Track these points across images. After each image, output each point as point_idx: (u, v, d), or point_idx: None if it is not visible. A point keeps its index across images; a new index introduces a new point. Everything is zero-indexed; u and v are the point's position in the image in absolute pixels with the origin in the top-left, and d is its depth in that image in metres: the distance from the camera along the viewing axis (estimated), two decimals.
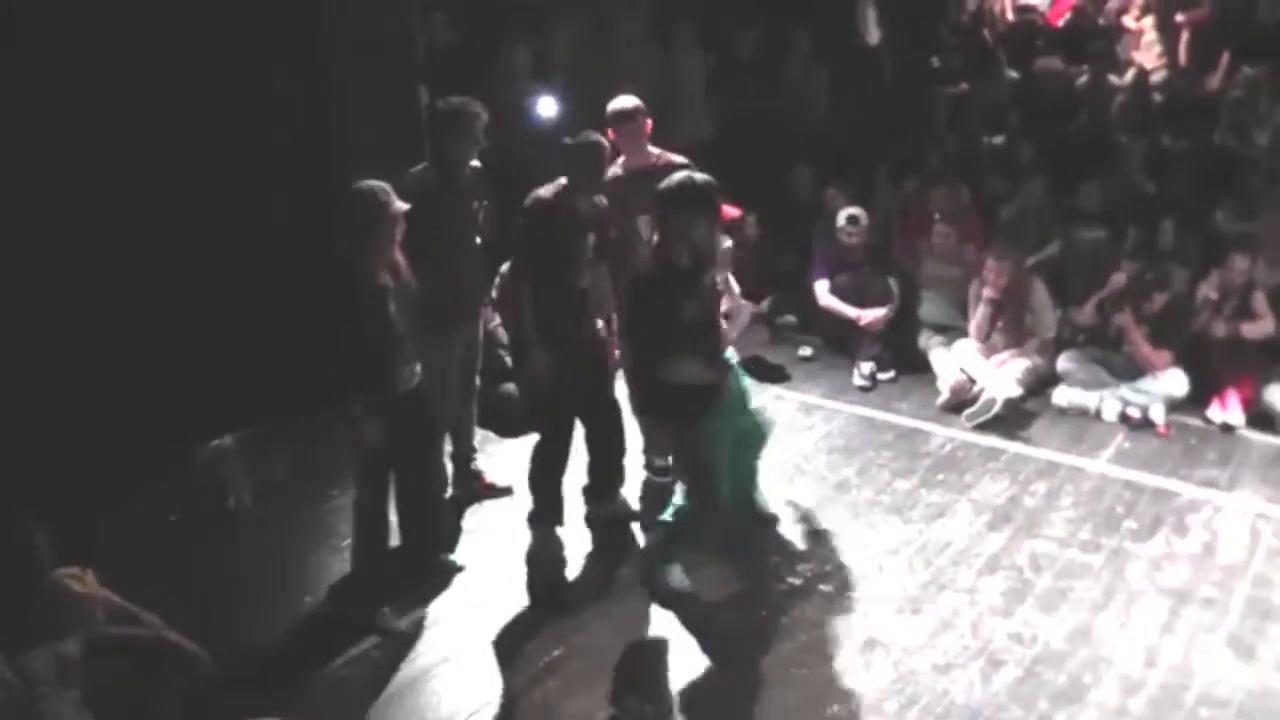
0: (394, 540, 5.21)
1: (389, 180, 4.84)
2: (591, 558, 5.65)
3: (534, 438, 5.66)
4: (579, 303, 5.52)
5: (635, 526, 5.87)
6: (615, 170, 5.82)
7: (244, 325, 6.51)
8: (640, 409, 5.37)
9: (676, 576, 5.29)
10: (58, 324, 5.86)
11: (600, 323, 5.71)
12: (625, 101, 5.87)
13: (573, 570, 5.56)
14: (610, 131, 5.76)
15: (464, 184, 5.63)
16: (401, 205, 4.75)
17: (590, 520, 5.90)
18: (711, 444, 5.04)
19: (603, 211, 5.56)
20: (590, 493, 5.92)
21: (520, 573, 5.49)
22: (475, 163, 5.69)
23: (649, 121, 5.89)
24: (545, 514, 5.68)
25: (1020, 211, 8.58)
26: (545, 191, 5.39)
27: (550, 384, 5.42)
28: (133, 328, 6.10)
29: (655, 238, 4.96)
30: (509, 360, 6.91)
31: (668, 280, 4.77)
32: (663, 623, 5.07)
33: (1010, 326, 7.41)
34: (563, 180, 5.40)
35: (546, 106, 8.27)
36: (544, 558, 5.61)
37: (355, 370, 4.75)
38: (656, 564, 5.36)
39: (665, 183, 4.77)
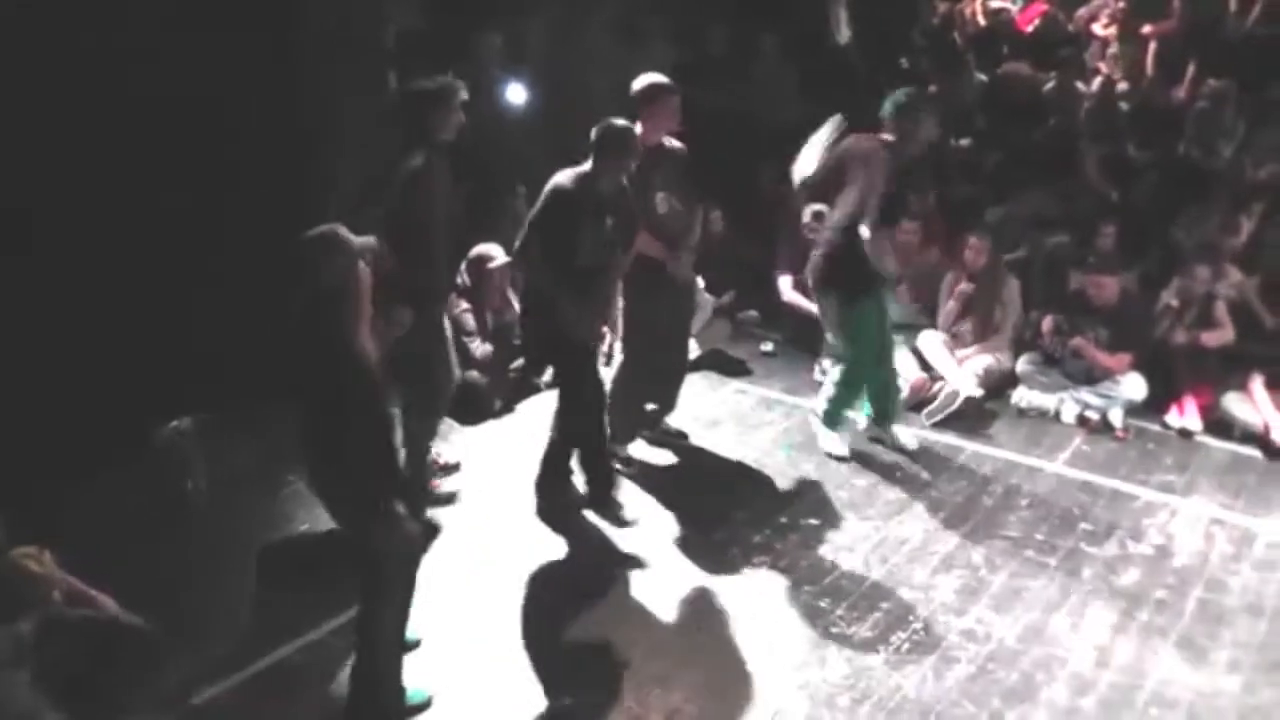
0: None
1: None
2: (561, 545, 5.64)
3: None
4: (581, 283, 5.47)
5: (595, 514, 5.88)
6: None
7: (206, 310, 6.45)
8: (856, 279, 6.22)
9: (835, 443, 6.51)
10: (17, 304, 5.78)
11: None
12: (660, 77, 5.88)
13: (541, 557, 5.53)
14: (646, 107, 5.79)
15: (445, 164, 5.50)
16: (370, 242, 3.97)
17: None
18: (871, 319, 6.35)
19: (624, 193, 5.54)
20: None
21: (487, 560, 5.48)
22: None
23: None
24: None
25: (1007, 217, 8.62)
26: (567, 177, 5.35)
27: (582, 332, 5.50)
28: (94, 309, 6.02)
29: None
30: (473, 348, 6.90)
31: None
32: (624, 610, 5.08)
33: (979, 319, 7.48)
34: (586, 165, 5.36)
35: (516, 94, 8.25)
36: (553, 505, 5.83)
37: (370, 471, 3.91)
38: (824, 430, 6.56)
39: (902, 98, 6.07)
